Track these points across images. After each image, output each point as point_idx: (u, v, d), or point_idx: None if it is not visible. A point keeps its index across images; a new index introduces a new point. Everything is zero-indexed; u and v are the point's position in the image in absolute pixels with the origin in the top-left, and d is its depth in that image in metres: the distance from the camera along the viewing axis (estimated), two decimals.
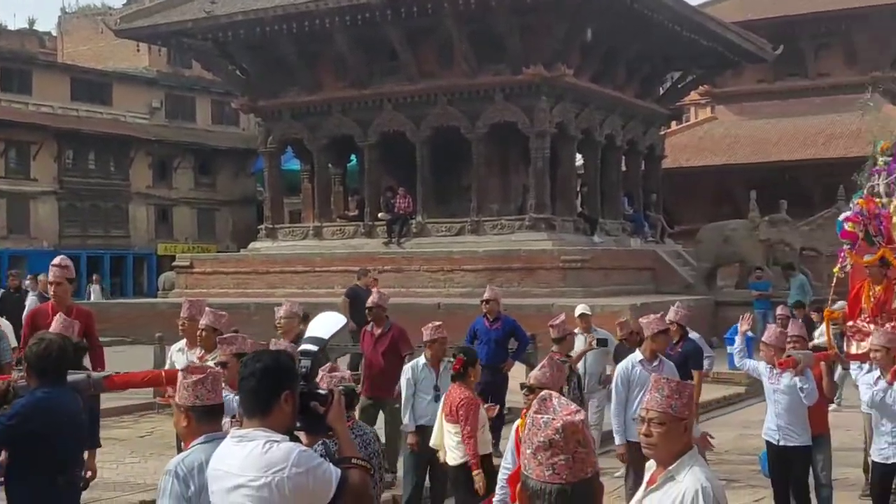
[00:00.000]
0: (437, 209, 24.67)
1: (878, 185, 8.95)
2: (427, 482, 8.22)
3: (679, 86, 30.49)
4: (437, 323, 8.25)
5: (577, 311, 11.09)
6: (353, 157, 27.39)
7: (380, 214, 24.65)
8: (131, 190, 39.61)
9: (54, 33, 47.46)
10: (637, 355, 7.95)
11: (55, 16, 58.45)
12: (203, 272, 25.41)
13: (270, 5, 23.47)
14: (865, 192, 9.06)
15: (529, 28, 22.36)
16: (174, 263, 27.40)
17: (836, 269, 9.02)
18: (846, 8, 35.76)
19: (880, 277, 8.48)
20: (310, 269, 23.81)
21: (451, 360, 7.70)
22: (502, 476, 5.95)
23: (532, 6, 21.32)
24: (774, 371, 7.52)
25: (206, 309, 7.92)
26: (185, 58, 37.52)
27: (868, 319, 8.50)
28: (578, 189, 25.98)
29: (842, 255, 8.94)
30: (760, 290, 21.09)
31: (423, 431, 7.95)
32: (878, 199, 8.93)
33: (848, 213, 9.02)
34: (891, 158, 9.05)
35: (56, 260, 8.46)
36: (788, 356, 7.41)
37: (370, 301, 10.46)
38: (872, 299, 8.52)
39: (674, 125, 37.17)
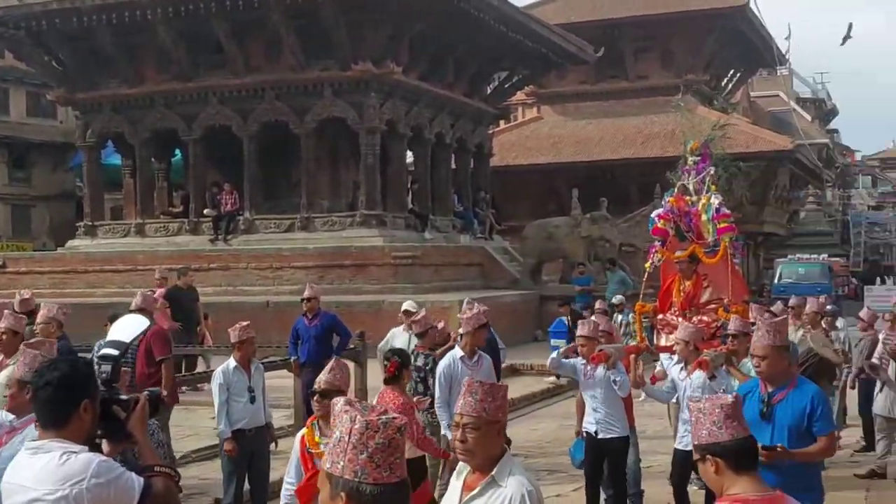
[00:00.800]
0: (265, 205, 24.30)
1: (689, 183, 9.21)
2: (247, 484, 8.09)
3: (506, 85, 31.14)
4: (245, 323, 8.13)
5: (403, 307, 11.19)
6: (177, 151, 26.60)
7: (205, 211, 24.07)
8: None
9: None
10: (458, 351, 8.02)
11: None
12: (17, 271, 24.16)
13: None
14: (676, 190, 9.33)
15: (358, 24, 22.32)
16: None
17: (647, 265, 9.30)
18: (663, 13, 37.47)
19: (690, 273, 8.75)
20: (132, 268, 23.00)
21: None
22: (286, 492, 5.49)
23: (360, 2, 21.30)
24: (588, 366, 7.70)
25: (5, 311, 7.56)
26: None
27: (677, 313, 8.75)
28: (409, 186, 26.17)
29: (653, 250, 9.19)
30: (582, 285, 21.82)
31: (241, 435, 7.83)
32: (687, 197, 9.16)
33: (659, 211, 9.31)
34: (699, 158, 9.32)
35: None
36: (600, 350, 7.62)
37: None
38: (682, 294, 8.77)
39: (501, 124, 37.93)
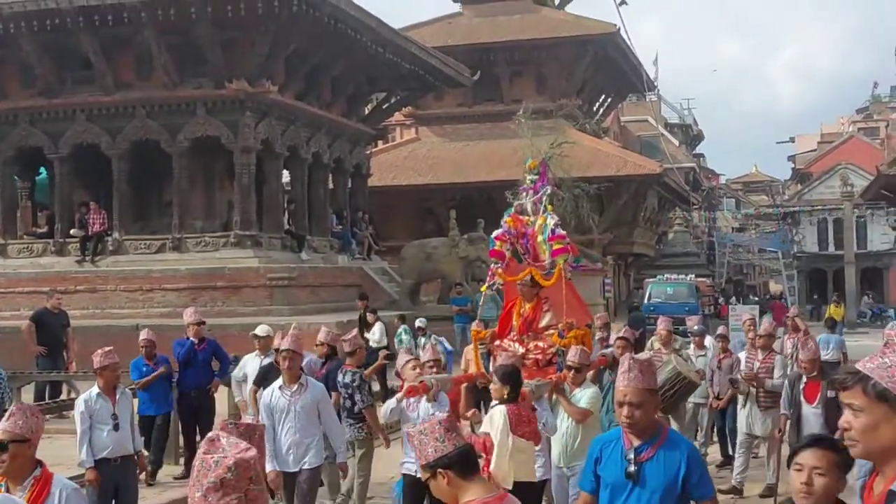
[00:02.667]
0: (135, 226, 23.62)
1: (526, 203, 8.90)
2: None
3: (384, 106, 31.19)
4: (108, 348, 7.88)
5: (254, 332, 10.88)
6: (42, 169, 25.60)
7: (72, 231, 23.21)
8: None
9: None
10: (279, 381, 7.76)
11: None
12: None
13: None
14: (513, 210, 8.99)
15: (232, 42, 22.00)
16: None
17: (483, 288, 9.01)
18: (535, 38, 38.26)
19: (531, 296, 8.40)
20: None
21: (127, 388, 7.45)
22: None
23: (234, 21, 20.97)
24: (411, 399, 7.39)
25: None
26: None
27: (515, 338, 8.42)
28: (286, 206, 25.84)
29: (490, 273, 8.86)
30: (460, 306, 21.96)
31: (106, 465, 7.54)
32: (525, 217, 8.85)
33: (497, 232, 8.93)
34: (538, 177, 8.99)
35: None
36: (420, 381, 7.23)
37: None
38: (521, 317, 8.44)
39: (380, 144, 37.95)
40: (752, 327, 13.71)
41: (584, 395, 7.51)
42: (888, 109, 74.27)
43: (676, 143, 66.65)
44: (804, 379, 8.79)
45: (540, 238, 8.56)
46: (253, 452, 2.35)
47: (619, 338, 9.74)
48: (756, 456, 10.99)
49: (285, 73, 23.80)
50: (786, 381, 9.27)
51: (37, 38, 21.89)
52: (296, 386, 7.61)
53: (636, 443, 4.30)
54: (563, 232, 8.53)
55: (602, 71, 40.97)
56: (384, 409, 7.84)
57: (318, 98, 25.96)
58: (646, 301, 35.16)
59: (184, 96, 22.55)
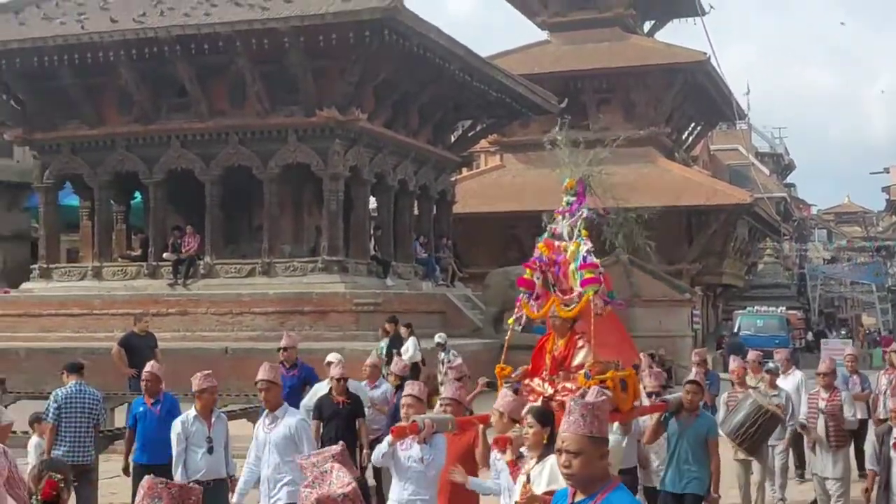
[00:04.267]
0: (226, 250, 24.04)
1: (563, 226, 7.94)
2: None
3: (469, 134, 31.26)
4: (207, 371, 7.96)
5: (330, 358, 10.60)
6: (137, 194, 26.29)
7: (165, 255, 23.72)
8: None
9: None
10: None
11: None
12: None
13: (50, 34, 22.27)
14: (547, 234, 8.05)
15: (323, 71, 22.31)
16: None
17: (510, 321, 7.94)
18: (624, 66, 37.98)
19: (564, 331, 7.44)
20: (87, 312, 22.60)
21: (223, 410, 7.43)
22: None
23: (325, 50, 21.28)
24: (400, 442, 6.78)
25: None
26: None
27: (546, 377, 7.52)
28: (372, 232, 26.04)
29: (518, 304, 7.85)
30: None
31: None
32: (560, 243, 7.86)
33: (531, 259, 8.10)
34: (575, 198, 8.05)
35: None
36: (412, 421, 6.59)
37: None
38: (552, 354, 7.52)
39: (464, 171, 38.04)
40: (853, 362, 13.15)
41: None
42: None
43: (767, 172, 65.37)
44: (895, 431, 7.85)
45: (572, 266, 7.63)
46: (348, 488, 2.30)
47: (688, 382, 8.47)
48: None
49: (374, 101, 24.04)
50: (871, 435, 8.54)
51: (135, 65, 22.52)
52: (271, 417, 7.41)
53: (579, 497, 3.80)
54: (596, 260, 7.60)
55: (691, 99, 40.46)
56: (375, 453, 7.06)
57: (405, 125, 26.15)
58: (735, 332, 34.45)
59: (275, 123, 22.93)
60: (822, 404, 9.88)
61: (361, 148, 23.72)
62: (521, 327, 7.85)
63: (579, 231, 7.74)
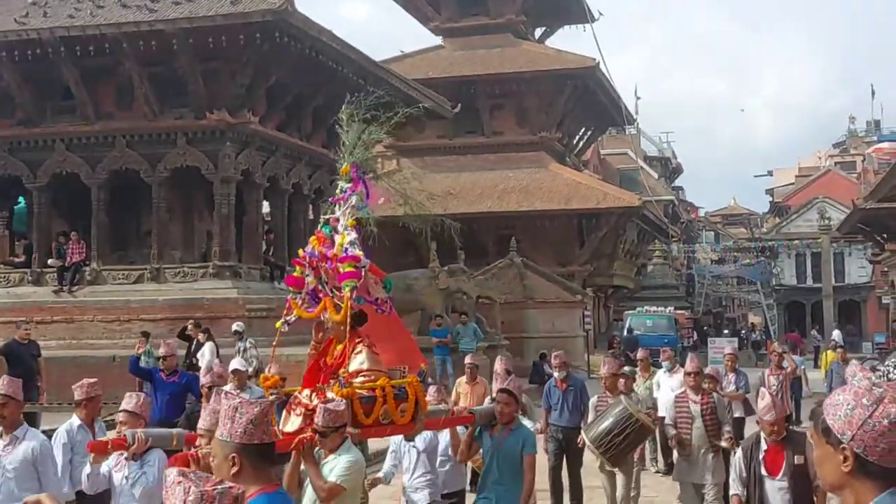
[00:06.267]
0: (114, 256, 23.50)
1: (339, 216, 7.07)
2: None
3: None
4: (92, 380, 7.73)
5: (231, 367, 10.17)
6: (21, 199, 25.49)
7: (50, 261, 23.07)
8: None
9: None
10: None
11: None
12: None
13: None
14: (320, 226, 7.22)
15: (213, 73, 22.04)
16: None
17: (278, 324, 6.94)
18: (515, 72, 38.57)
19: (340, 335, 6.53)
20: None
21: (104, 420, 7.15)
22: None
23: (215, 52, 21.04)
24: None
25: None
26: None
27: (317, 388, 6.55)
28: (265, 236, 25.80)
29: (288, 306, 6.93)
30: (440, 337, 21.94)
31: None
32: (336, 235, 7.01)
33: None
34: (350, 184, 7.24)
35: None
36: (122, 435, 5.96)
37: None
38: (327, 361, 6.69)
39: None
40: (732, 361, 13.58)
41: (337, 465, 5.82)
42: (864, 144, 75.14)
43: (656, 176, 67.16)
44: (764, 444, 6.73)
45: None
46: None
47: (499, 391, 7.18)
48: None
49: (266, 104, 23.85)
50: (738, 450, 7.11)
51: (17, 67, 21.88)
52: (9, 438, 6.59)
53: None
54: (359, 252, 6.73)
55: (582, 104, 41.31)
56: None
57: (298, 129, 26.01)
58: (625, 333, 35.28)
59: (164, 126, 22.54)
60: (693, 407, 9.01)
61: (253, 151, 23.50)
62: (287, 327, 6.83)
63: (346, 221, 6.95)
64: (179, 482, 2.32)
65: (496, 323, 26.19)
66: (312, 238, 6.93)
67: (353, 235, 6.82)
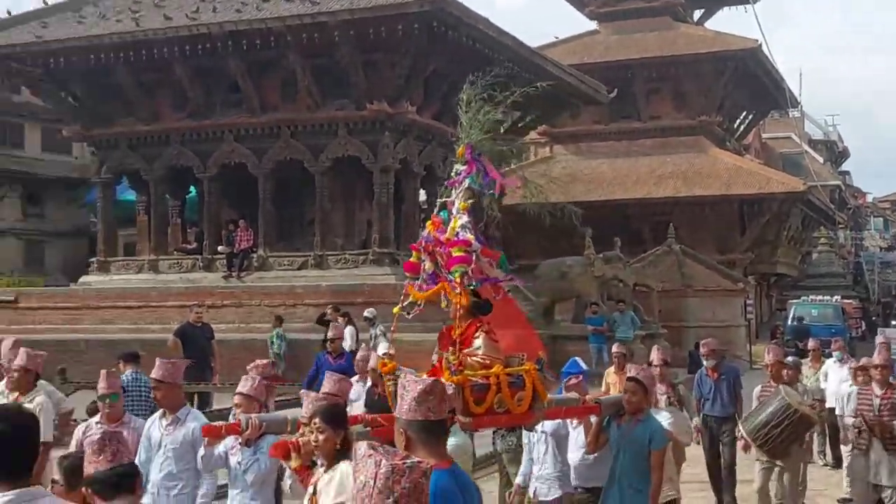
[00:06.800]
0: (279, 243, 24.36)
1: (454, 199, 6.81)
2: None
3: (519, 125, 31.22)
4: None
5: (380, 352, 10.29)
6: (192, 188, 26.74)
7: (219, 248, 24.13)
8: None
9: None
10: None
11: None
12: (29, 307, 24.18)
13: (105, 32, 22.74)
14: (437, 210, 6.92)
15: (373, 64, 22.49)
16: None
17: (396, 309, 6.81)
18: (674, 55, 37.67)
19: (463, 318, 6.35)
20: (144, 304, 23.03)
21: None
22: None
23: (375, 43, 21.45)
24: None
25: (21, 349, 7.65)
26: (13, 83, 35.75)
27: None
28: (422, 224, 26.18)
29: (405, 291, 6.89)
30: (595, 325, 21.76)
31: None
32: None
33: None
34: (465, 167, 6.94)
35: None
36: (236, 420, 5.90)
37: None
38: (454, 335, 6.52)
39: (513, 163, 37.99)
40: None
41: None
42: None
43: (821, 160, 64.41)
44: None
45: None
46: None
47: (628, 379, 6.90)
48: None
49: (424, 94, 24.16)
50: None
51: (188, 62, 22.92)
52: (171, 419, 6.48)
53: None
54: (469, 236, 6.49)
55: (743, 87, 40.01)
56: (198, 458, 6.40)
57: (454, 117, 26.19)
58: (789, 322, 34.06)
59: (326, 117, 23.18)
60: (876, 402, 8.49)
61: (411, 140, 23.88)
62: (409, 314, 6.62)
63: (459, 204, 6.63)
64: (370, 455, 2.39)
65: (653, 311, 25.73)
66: (428, 223, 6.68)
67: (465, 219, 6.52)
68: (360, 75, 22.41)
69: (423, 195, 26.88)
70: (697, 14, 44.49)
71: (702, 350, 10.67)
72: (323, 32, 21.34)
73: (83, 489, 3.53)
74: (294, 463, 4.86)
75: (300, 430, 5.18)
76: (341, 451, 4.44)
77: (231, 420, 6.17)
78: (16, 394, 7.36)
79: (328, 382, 6.11)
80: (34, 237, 40.72)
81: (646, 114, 39.11)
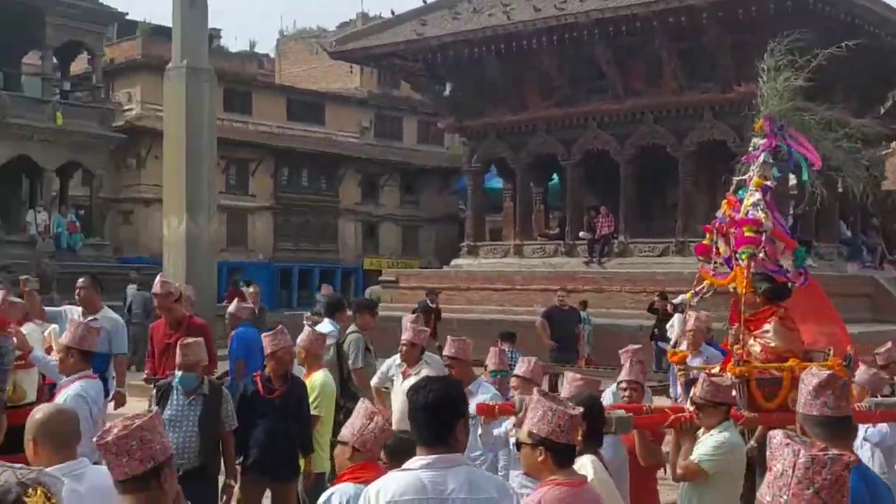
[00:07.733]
0: (640, 229, 24.31)
1: (751, 176, 6.41)
2: None
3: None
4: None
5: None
6: (554, 175, 27.44)
7: (581, 233, 24.55)
8: (340, 206, 41.12)
9: (272, 55, 49.72)
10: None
11: (274, 38, 61.12)
12: (408, 287, 26.05)
13: (479, 26, 23.91)
14: (732, 189, 6.60)
15: (741, 45, 21.71)
16: (381, 278, 28.26)
17: (688, 295, 6.75)
18: None
19: (752, 305, 6.17)
20: (510, 287, 23.99)
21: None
22: None
23: (745, 23, 20.72)
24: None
25: (408, 324, 8.25)
26: (394, 79, 38.65)
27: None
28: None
29: (698, 275, 6.74)
30: None
31: None
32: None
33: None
34: (763, 141, 6.54)
35: (158, 277, 9.30)
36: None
37: None
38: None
39: (894, 145, 35.06)
40: None
41: (704, 443, 5.24)
42: None
43: None
44: None
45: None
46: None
47: None
48: None
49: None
50: None
51: (556, 51, 23.49)
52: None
53: None
54: (760, 215, 6.02)
55: None
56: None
57: (828, 98, 24.64)
58: None
59: (690, 101, 22.80)
60: None
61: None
62: (698, 298, 6.45)
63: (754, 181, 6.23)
64: (787, 444, 2.37)
65: None
66: (724, 202, 6.48)
67: (758, 196, 6.26)
68: (728, 57, 21.78)
69: (792, 179, 25.58)
70: None
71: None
72: (690, 15, 20.96)
73: None
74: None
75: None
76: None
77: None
78: (404, 366, 7.97)
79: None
80: (410, 223, 43.83)
81: None
